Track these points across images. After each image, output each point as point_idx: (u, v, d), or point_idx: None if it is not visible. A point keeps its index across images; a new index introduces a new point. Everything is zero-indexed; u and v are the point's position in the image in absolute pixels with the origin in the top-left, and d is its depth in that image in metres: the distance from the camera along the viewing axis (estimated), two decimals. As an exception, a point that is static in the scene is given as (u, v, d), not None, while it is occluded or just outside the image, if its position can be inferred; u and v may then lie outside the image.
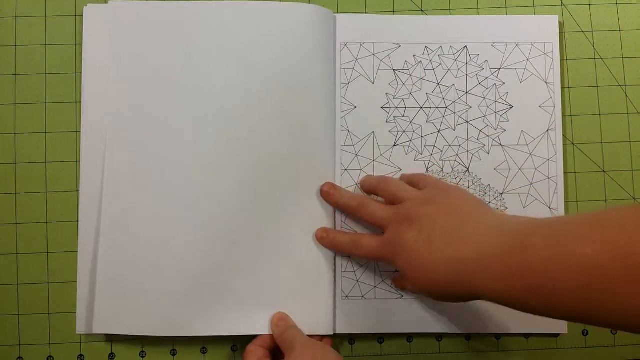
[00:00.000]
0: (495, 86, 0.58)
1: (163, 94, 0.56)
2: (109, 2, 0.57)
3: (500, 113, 0.58)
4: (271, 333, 0.54)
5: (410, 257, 0.47)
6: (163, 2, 0.57)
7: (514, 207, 0.57)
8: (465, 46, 0.59)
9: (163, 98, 0.56)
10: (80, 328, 0.56)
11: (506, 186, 0.57)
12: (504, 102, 0.58)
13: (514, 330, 0.57)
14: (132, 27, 0.56)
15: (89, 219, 0.56)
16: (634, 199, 0.59)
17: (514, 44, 0.58)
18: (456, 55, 0.58)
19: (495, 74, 0.58)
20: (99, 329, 0.55)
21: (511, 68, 0.58)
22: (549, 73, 0.58)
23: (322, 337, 0.56)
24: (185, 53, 0.56)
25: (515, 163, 0.57)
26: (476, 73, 0.58)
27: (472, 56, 0.58)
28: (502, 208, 0.57)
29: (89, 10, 0.57)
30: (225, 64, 0.56)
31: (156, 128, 0.56)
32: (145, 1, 0.58)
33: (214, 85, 0.56)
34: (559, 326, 0.57)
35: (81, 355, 0.56)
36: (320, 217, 0.56)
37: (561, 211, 0.57)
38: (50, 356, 0.56)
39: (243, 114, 0.56)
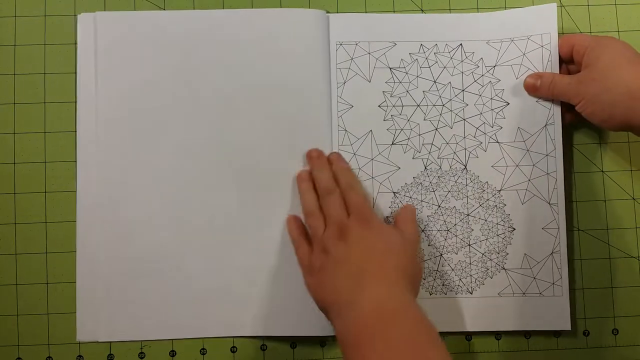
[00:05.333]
0: (491, 83, 0.58)
1: (158, 98, 0.57)
2: (96, 12, 0.57)
3: (497, 110, 0.58)
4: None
5: None
6: (157, 11, 0.58)
7: (512, 204, 0.57)
8: (461, 44, 0.58)
9: (158, 102, 0.56)
10: (81, 336, 0.56)
11: (504, 183, 0.57)
12: (500, 99, 0.58)
13: (517, 327, 0.56)
14: (125, 35, 0.57)
15: (87, 221, 0.56)
16: (634, 199, 0.58)
17: (509, 39, 0.58)
18: (452, 53, 0.58)
19: (491, 72, 0.58)
20: (101, 337, 0.55)
21: (506, 65, 0.58)
22: (546, 66, 0.57)
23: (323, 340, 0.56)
24: (179, 59, 0.57)
25: (513, 160, 0.57)
26: (472, 71, 0.58)
27: (467, 54, 0.58)
28: (501, 205, 0.57)
29: (83, 19, 0.58)
30: (219, 71, 0.57)
31: (152, 130, 0.56)
32: (135, 11, 0.58)
33: (208, 90, 0.57)
34: (562, 323, 0.56)
35: (80, 356, 0.56)
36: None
37: (561, 208, 0.56)
38: (49, 357, 0.56)
39: (237, 118, 0.56)
